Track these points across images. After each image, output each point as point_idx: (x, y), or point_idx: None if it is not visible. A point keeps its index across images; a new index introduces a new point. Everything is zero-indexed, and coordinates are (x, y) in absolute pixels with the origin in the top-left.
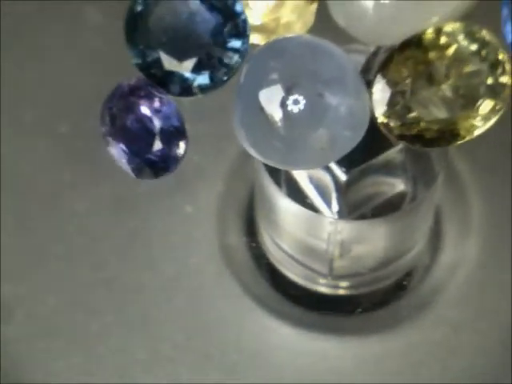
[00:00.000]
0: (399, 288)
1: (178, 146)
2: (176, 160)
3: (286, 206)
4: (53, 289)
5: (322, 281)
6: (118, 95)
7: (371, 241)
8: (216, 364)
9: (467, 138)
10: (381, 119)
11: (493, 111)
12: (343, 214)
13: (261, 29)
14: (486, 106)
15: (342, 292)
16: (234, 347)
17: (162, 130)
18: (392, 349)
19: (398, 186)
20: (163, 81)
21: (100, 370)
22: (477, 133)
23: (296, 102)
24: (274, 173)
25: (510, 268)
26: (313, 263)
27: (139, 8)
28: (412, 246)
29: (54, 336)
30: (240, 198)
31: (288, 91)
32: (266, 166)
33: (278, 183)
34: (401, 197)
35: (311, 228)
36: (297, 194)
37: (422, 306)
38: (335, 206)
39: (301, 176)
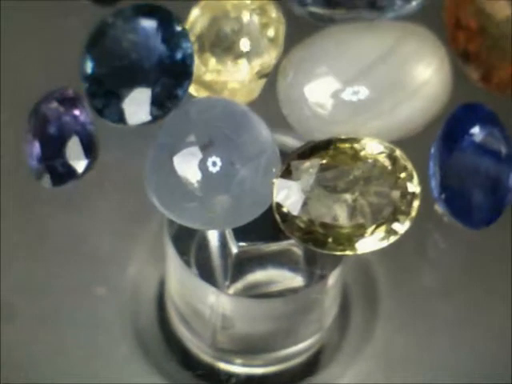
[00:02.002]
0: (309, 366)
1: (80, 162)
2: (75, 176)
3: (179, 266)
4: None
5: (236, 360)
6: (51, 99)
7: (257, 320)
8: None
9: (360, 252)
10: (278, 209)
11: (390, 234)
12: (232, 289)
13: (207, 86)
14: (385, 227)
15: (254, 371)
16: None
17: (74, 143)
18: None
19: (297, 280)
20: (100, 102)
21: None
22: (370, 249)
23: (214, 164)
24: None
25: (415, 344)
26: (199, 331)
27: (107, 26)
28: (311, 331)
29: None
30: (152, 280)
31: (204, 151)
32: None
33: (190, 243)
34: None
35: (198, 294)
36: (206, 259)
37: None
38: (227, 279)
39: (213, 243)
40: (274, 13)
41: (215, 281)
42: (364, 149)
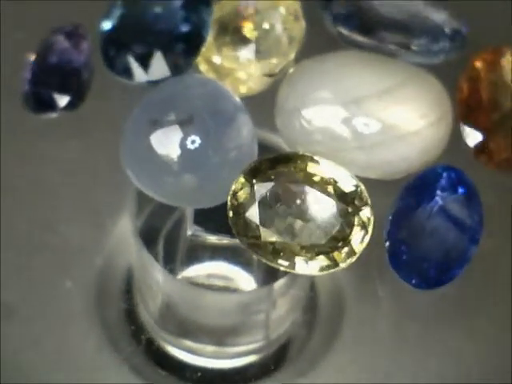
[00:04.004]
0: (276, 360)
1: (64, 98)
2: (54, 108)
3: (136, 243)
4: None
5: (206, 352)
6: (61, 32)
7: (199, 310)
8: None
9: (297, 272)
10: (231, 205)
11: (331, 264)
12: (183, 273)
13: (215, 68)
14: (329, 256)
15: (219, 364)
16: None
17: (65, 78)
18: None
19: (250, 282)
20: (113, 50)
21: None
22: (308, 272)
23: (193, 142)
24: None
25: (383, 341)
26: (149, 306)
27: None
28: (254, 338)
29: None
30: (119, 273)
31: (183, 126)
32: (140, 194)
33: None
34: None
35: (149, 270)
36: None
37: (300, 377)
38: (181, 261)
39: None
40: (301, 19)
41: (173, 263)
42: (331, 174)
